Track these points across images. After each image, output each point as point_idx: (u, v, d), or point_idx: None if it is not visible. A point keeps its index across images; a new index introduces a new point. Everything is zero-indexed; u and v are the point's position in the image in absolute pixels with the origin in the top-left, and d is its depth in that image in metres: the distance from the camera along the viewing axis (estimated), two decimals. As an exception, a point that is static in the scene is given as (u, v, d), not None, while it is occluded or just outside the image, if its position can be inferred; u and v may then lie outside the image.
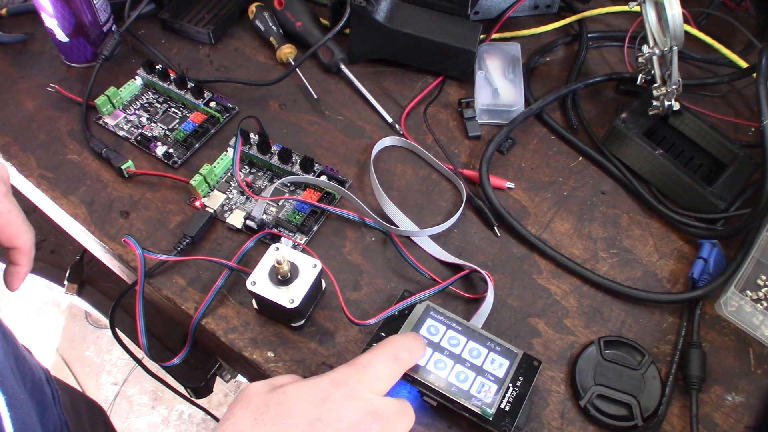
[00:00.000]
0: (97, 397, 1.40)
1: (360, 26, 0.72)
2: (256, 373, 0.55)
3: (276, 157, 0.65)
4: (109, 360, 1.46)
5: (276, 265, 0.52)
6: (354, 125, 0.71)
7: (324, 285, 0.58)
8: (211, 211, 0.62)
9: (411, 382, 0.50)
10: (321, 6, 0.81)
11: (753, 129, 0.72)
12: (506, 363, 0.52)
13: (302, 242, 0.61)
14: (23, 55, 0.75)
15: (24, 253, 0.55)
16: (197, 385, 0.79)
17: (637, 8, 0.64)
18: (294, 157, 0.66)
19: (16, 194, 0.79)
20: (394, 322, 0.54)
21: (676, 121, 0.67)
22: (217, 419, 0.85)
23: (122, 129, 0.69)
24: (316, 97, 0.72)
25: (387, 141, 0.69)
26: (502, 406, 0.49)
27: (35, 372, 0.51)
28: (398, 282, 0.59)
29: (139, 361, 0.62)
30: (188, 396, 0.76)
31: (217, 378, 0.83)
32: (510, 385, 0.51)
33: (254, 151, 0.66)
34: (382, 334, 0.53)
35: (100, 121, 0.69)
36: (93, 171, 0.66)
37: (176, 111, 0.71)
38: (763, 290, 0.60)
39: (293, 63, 0.74)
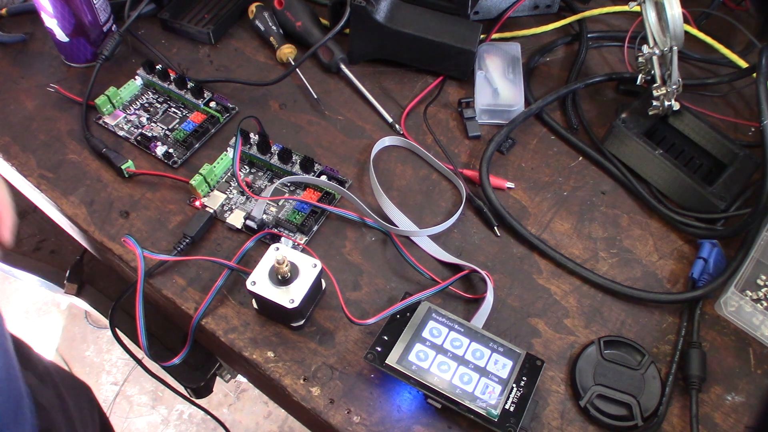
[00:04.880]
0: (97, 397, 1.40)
1: (360, 26, 0.72)
2: (256, 373, 0.55)
3: (276, 157, 0.65)
4: (109, 360, 1.46)
5: (276, 265, 0.52)
6: (354, 125, 0.71)
7: (324, 285, 0.58)
8: (211, 211, 0.62)
9: (415, 385, 0.50)
10: (321, 6, 0.81)
11: (753, 129, 0.72)
12: (509, 363, 0.52)
13: (302, 242, 0.61)
14: (23, 55, 0.75)
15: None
16: (197, 385, 0.79)
17: (637, 8, 0.64)
18: (294, 157, 0.66)
19: (16, 194, 0.79)
20: (396, 323, 0.54)
21: (676, 121, 0.67)
22: (217, 419, 0.85)
23: (122, 129, 0.69)
24: (316, 97, 0.72)
25: (387, 141, 0.69)
26: (507, 406, 0.49)
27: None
28: (398, 282, 0.59)
29: (139, 361, 0.62)
30: (188, 396, 0.76)
31: (217, 378, 0.83)
32: (514, 385, 0.51)
33: (254, 151, 0.66)
34: (385, 337, 0.53)
35: (100, 121, 0.69)
36: (93, 171, 0.66)
37: (176, 111, 0.71)
38: (763, 290, 0.60)
39: (293, 63, 0.74)
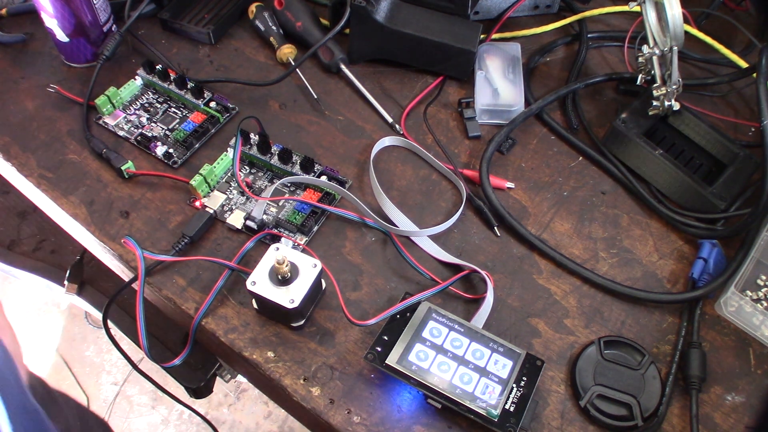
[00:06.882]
0: (97, 397, 1.40)
1: (360, 26, 0.72)
2: (256, 373, 0.55)
3: (276, 157, 0.65)
4: (109, 360, 1.46)
5: (276, 265, 0.52)
6: (354, 125, 0.71)
7: (324, 285, 0.58)
8: (211, 211, 0.62)
9: (415, 385, 0.50)
10: (321, 6, 0.81)
11: (753, 129, 0.72)
12: (509, 363, 0.52)
13: (302, 242, 0.61)
14: (23, 55, 0.75)
15: None
16: (197, 386, 0.79)
17: (637, 8, 0.64)
18: (294, 158, 0.66)
19: (17, 194, 0.79)
20: (396, 324, 0.54)
21: (676, 121, 0.67)
22: (209, 422, 0.84)
23: (122, 129, 0.69)
24: (316, 97, 0.72)
25: (387, 141, 0.69)
26: (507, 406, 0.49)
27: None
28: (398, 282, 0.59)
29: (135, 366, 0.62)
30: (184, 402, 0.75)
31: (217, 378, 0.83)
32: (514, 385, 0.51)
33: (254, 151, 0.66)
34: (385, 337, 0.53)
35: (100, 121, 0.69)
36: (93, 171, 0.66)
37: (176, 111, 0.71)
38: (763, 290, 0.60)
39: (293, 63, 0.74)
